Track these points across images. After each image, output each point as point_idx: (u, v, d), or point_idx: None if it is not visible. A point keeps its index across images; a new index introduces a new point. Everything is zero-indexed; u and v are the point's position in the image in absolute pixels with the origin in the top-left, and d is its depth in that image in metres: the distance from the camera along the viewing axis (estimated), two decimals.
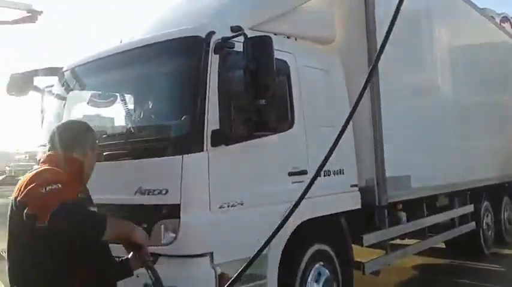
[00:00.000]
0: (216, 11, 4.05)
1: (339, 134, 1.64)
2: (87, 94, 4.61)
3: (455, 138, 6.64)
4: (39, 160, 2.42)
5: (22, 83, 4.50)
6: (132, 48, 4.07)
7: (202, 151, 3.38)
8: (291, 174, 4.00)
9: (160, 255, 3.29)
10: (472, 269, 7.21)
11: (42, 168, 2.25)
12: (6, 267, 2.21)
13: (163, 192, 3.34)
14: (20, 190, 2.11)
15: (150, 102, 4.08)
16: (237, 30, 3.46)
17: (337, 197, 4.49)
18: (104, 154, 3.69)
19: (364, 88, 1.61)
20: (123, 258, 2.45)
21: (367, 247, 4.98)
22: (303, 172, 4.05)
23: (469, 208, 7.37)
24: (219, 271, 3.28)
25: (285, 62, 4.08)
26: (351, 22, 5.00)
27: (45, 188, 2.00)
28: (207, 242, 3.32)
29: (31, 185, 2.06)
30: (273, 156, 3.95)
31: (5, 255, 2.23)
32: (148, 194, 3.39)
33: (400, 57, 5.46)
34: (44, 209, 1.92)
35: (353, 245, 4.66)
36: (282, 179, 3.94)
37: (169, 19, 4.52)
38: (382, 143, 4.89)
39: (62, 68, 4.61)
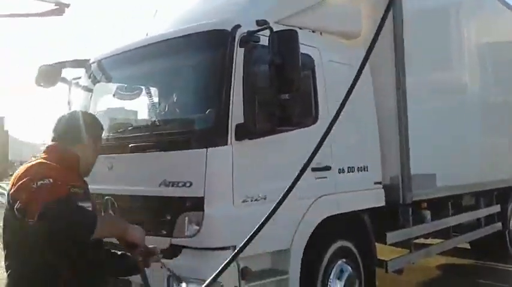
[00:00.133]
0: (242, 5, 4.04)
1: (324, 133, 1.52)
2: (113, 86, 4.65)
3: (482, 136, 6.52)
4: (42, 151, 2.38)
5: (50, 75, 4.57)
6: (158, 41, 4.09)
7: (227, 144, 3.38)
8: (314, 169, 3.96)
9: (183, 247, 3.31)
10: (497, 270, 7.05)
11: (36, 161, 2.23)
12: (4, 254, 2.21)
13: (188, 185, 3.36)
14: (13, 183, 2.09)
15: (175, 95, 4.10)
16: (262, 24, 3.46)
17: (361, 194, 4.45)
18: (130, 145, 3.74)
19: (355, 82, 1.51)
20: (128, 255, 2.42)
21: (390, 245, 4.93)
22: (327, 168, 4.02)
23: (496, 208, 7.22)
24: (242, 264, 3.29)
25: (309, 56, 4.04)
26: (377, 17, 4.92)
27: (37, 183, 1.98)
28: (230, 236, 3.31)
29: (23, 180, 2.04)
30: (297, 151, 3.90)
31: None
32: (172, 186, 3.42)
33: (427, 54, 5.38)
34: (34, 206, 1.91)
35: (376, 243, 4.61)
36: (305, 175, 3.90)
37: (196, 13, 4.52)
38: (408, 140, 4.82)
39: (89, 60, 4.67)
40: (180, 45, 3.90)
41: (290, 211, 3.71)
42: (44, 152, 2.30)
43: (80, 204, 2.12)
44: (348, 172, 4.27)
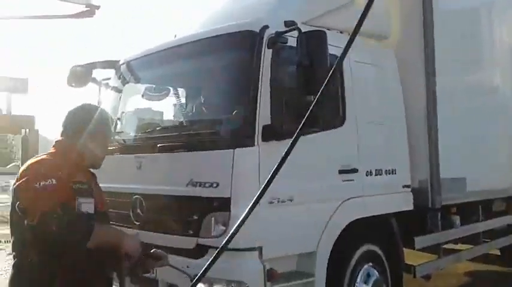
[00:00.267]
0: (271, 5, 4.04)
1: (291, 143, 1.41)
2: (142, 87, 4.72)
3: None
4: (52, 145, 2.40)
5: (81, 75, 4.66)
6: (186, 42, 4.13)
7: (254, 145, 3.38)
8: (341, 172, 3.93)
9: (210, 247, 3.33)
10: None
11: (41, 157, 2.24)
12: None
13: (214, 185, 3.37)
14: (18, 178, 2.11)
15: (202, 96, 4.13)
16: (290, 24, 3.43)
17: (389, 197, 4.38)
18: (158, 145, 3.78)
19: (331, 80, 1.43)
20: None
21: (417, 250, 4.84)
22: (354, 170, 3.98)
23: None
24: (268, 266, 3.28)
25: (338, 57, 4.00)
26: (408, 18, 4.86)
27: (39, 183, 1.99)
28: (257, 237, 3.31)
29: (26, 177, 2.05)
30: (324, 153, 3.89)
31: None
32: (199, 186, 3.43)
33: (458, 55, 5.27)
34: (35, 208, 1.93)
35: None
36: (332, 177, 3.89)
37: (224, 14, 4.55)
38: (437, 143, 4.72)
39: (118, 61, 4.75)
40: (208, 46, 3.92)
41: (317, 213, 3.69)
42: (53, 146, 2.33)
43: (82, 200, 2.12)
44: (376, 174, 4.21)
